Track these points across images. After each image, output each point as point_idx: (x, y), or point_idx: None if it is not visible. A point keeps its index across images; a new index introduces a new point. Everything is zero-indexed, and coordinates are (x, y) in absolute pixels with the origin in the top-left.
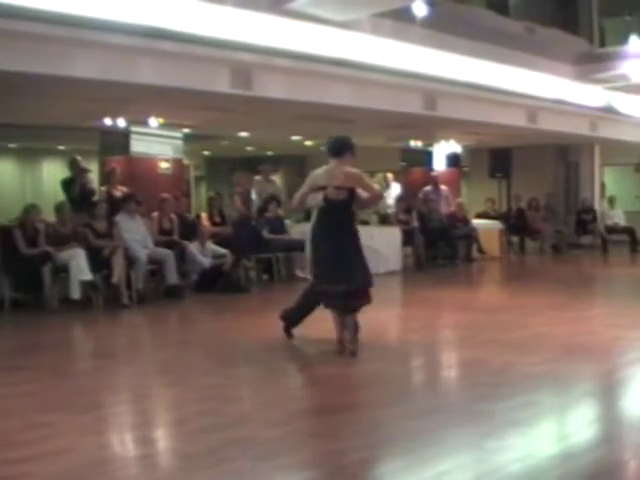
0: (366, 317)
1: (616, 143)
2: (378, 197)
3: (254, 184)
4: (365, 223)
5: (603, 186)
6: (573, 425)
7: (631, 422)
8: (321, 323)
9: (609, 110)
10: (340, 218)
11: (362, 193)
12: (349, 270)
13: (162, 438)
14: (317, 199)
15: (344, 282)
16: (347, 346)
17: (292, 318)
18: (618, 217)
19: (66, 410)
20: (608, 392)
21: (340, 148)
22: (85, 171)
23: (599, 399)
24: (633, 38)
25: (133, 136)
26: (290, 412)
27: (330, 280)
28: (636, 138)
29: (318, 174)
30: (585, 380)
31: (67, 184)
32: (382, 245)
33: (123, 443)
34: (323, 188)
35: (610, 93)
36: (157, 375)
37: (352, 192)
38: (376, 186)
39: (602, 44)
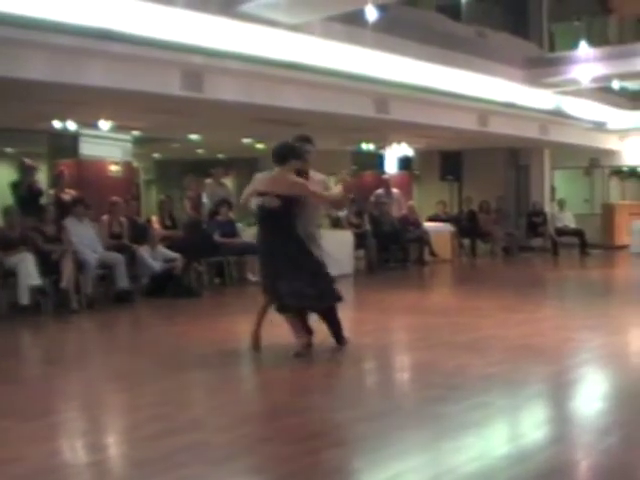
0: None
1: (566, 147)
2: (337, 202)
3: (205, 187)
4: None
5: (553, 189)
6: (525, 426)
7: (582, 422)
8: (272, 328)
9: (559, 114)
10: (276, 226)
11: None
12: (284, 279)
13: (114, 444)
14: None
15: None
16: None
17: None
18: (568, 220)
19: (17, 417)
20: (559, 393)
21: (283, 155)
22: (33, 169)
23: (551, 400)
24: (582, 43)
25: (82, 139)
26: (242, 416)
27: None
28: (585, 142)
29: (260, 179)
30: (537, 381)
31: (16, 186)
32: (334, 248)
33: (75, 450)
34: (263, 194)
35: (560, 97)
36: (108, 381)
37: (290, 201)
38: (335, 189)
39: (552, 48)
